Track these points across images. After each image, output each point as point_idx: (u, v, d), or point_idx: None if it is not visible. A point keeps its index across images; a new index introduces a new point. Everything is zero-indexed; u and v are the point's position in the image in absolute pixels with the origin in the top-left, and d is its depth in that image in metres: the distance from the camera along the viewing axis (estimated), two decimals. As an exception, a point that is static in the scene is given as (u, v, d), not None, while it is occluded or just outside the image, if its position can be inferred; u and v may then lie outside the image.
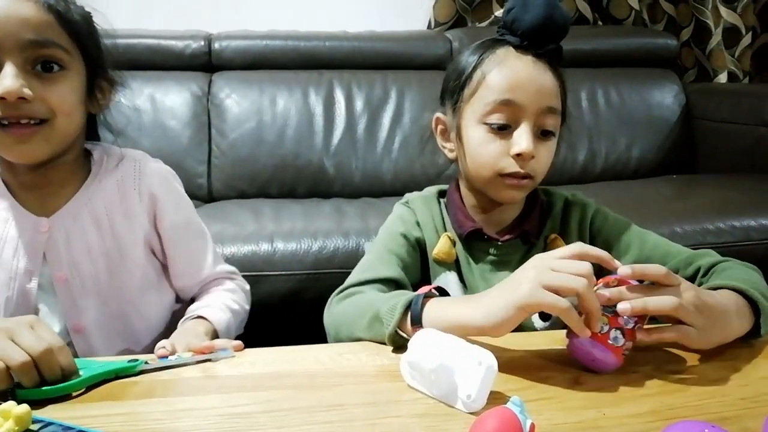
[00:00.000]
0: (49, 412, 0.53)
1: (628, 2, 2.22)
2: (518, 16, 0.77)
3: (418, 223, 0.84)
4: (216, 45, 1.80)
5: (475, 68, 0.79)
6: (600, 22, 2.27)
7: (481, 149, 0.78)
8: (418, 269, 0.82)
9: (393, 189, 1.71)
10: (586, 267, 0.58)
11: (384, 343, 0.66)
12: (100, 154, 0.83)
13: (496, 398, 0.54)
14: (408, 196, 0.90)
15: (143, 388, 0.59)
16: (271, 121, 1.71)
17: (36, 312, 0.76)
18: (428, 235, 0.83)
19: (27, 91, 0.68)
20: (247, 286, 0.95)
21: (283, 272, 1.10)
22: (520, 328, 0.72)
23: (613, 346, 0.58)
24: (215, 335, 0.79)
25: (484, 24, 2.19)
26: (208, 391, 0.58)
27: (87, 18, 0.76)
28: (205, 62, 1.78)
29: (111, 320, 0.81)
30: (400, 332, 0.65)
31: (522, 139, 0.75)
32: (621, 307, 0.58)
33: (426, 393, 0.56)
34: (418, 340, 0.57)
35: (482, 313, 0.60)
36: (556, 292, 0.57)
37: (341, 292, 0.77)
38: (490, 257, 0.82)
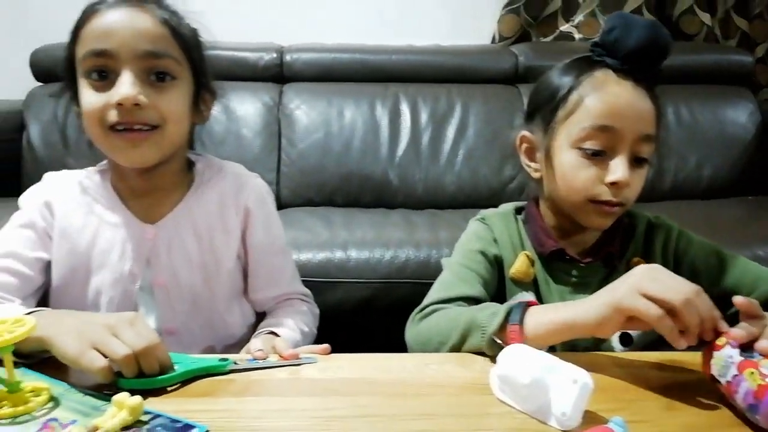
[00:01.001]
0: (155, 405, 0.56)
1: (699, 18, 2.16)
2: (620, 38, 0.74)
3: (495, 240, 0.84)
4: (287, 57, 1.86)
5: (571, 90, 0.77)
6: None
7: (574, 174, 0.76)
8: (495, 287, 0.82)
9: (455, 201, 1.72)
10: (692, 287, 0.57)
11: (476, 353, 0.67)
12: (203, 165, 0.87)
13: (590, 418, 0.53)
14: (484, 212, 0.89)
15: (238, 387, 0.61)
16: (338, 131, 1.75)
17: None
18: (505, 253, 0.83)
19: (142, 98, 0.72)
20: (317, 310, 0.95)
21: (357, 280, 1.12)
22: (599, 350, 0.72)
23: None
24: None
25: (548, 39, 2.17)
26: (301, 393, 0.60)
27: (195, 32, 0.81)
28: (277, 74, 1.84)
29: (199, 326, 0.84)
30: (497, 340, 0.65)
31: (619, 168, 0.73)
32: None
33: (516, 407, 0.56)
34: (509, 355, 0.57)
35: (586, 312, 0.62)
36: (653, 301, 0.57)
37: (423, 309, 0.77)
38: (571, 278, 0.81)
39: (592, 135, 0.74)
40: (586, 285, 0.80)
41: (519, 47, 1.99)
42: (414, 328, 0.77)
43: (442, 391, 0.60)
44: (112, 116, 0.73)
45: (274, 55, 1.85)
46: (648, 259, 0.81)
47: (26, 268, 0.79)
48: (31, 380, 0.59)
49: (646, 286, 0.58)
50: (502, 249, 0.83)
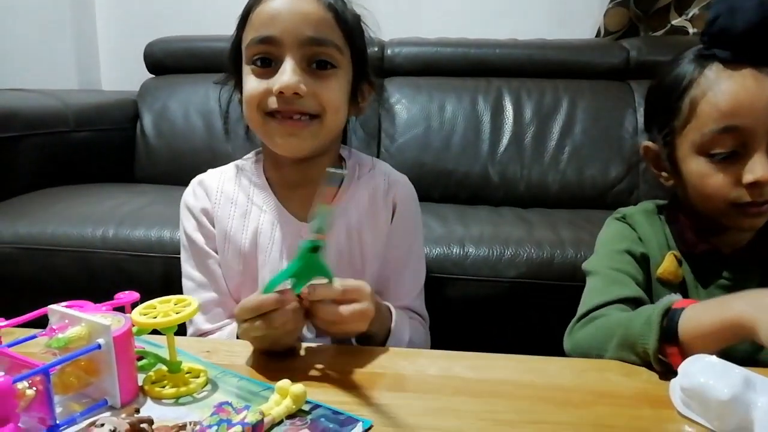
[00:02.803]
0: (316, 396, 0.54)
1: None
2: (727, 25, 0.67)
3: (640, 239, 0.78)
4: (389, 51, 1.84)
5: (682, 95, 0.71)
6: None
7: (706, 182, 0.70)
8: (644, 287, 0.76)
9: (560, 202, 1.64)
10: None
11: (637, 364, 0.62)
12: (354, 161, 0.86)
13: (800, 442, 0.47)
14: (623, 210, 0.84)
15: (391, 381, 0.60)
16: (439, 127, 1.71)
17: None
18: (652, 252, 0.77)
19: (302, 87, 0.71)
20: (429, 340, 0.88)
21: (475, 277, 1.09)
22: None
23: None
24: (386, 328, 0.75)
25: (659, 33, 2.05)
26: (458, 392, 0.57)
27: (358, 19, 0.79)
28: (378, 68, 1.82)
29: None
30: (661, 358, 0.60)
31: (756, 166, 0.66)
32: None
33: (706, 425, 0.51)
34: (696, 366, 0.52)
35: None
36: None
37: (581, 318, 0.72)
38: (722, 281, 0.74)
39: (717, 139, 0.68)
40: (742, 288, 0.72)
41: (630, 41, 1.88)
42: (572, 339, 0.72)
43: (612, 402, 0.56)
44: (272, 103, 0.72)
45: (375, 49, 1.83)
46: None
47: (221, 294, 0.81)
48: (188, 362, 0.60)
49: None
50: (648, 248, 0.78)
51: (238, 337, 0.67)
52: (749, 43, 0.67)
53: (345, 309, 0.61)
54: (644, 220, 0.80)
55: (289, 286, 0.59)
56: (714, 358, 0.52)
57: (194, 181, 0.85)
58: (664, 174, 0.78)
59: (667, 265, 0.75)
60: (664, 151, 0.76)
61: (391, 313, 0.75)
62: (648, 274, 0.77)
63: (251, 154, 0.87)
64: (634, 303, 0.71)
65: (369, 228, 0.82)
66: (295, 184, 0.81)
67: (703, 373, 0.51)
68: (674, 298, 0.64)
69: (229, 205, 0.81)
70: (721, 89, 0.68)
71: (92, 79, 2.17)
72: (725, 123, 0.67)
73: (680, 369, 0.53)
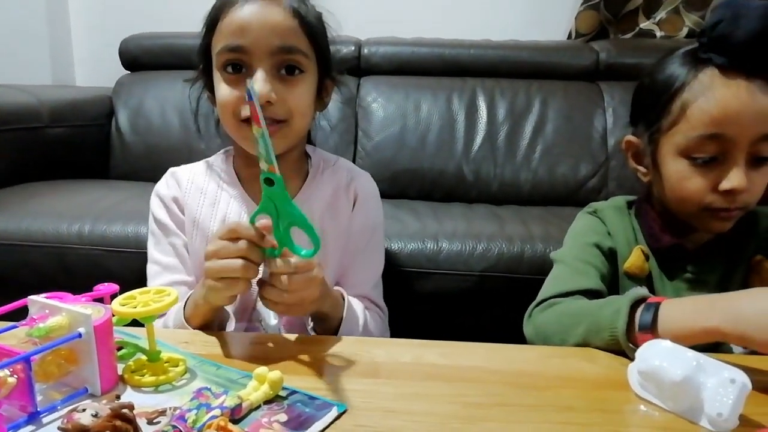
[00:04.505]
0: (289, 382, 0.56)
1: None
2: (728, 32, 0.67)
3: (609, 234, 0.82)
4: (365, 50, 1.86)
5: (675, 95, 0.71)
6: None
7: (684, 184, 0.72)
8: (610, 281, 0.79)
9: (531, 199, 1.69)
10: None
11: (601, 349, 0.65)
12: (318, 158, 0.90)
13: (743, 421, 0.51)
14: (594, 205, 0.87)
15: (366, 369, 0.62)
16: (414, 125, 1.74)
17: (254, 301, 0.82)
18: (620, 246, 0.80)
19: (273, 96, 0.74)
20: (387, 333, 0.91)
21: (449, 272, 1.12)
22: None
23: None
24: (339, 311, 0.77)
25: (628, 36, 2.11)
26: (429, 377, 0.60)
27: (320, 19, 0.81)
28: (355, 66, 1.85)
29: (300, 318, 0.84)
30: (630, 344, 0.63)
31: (734, 176, 0.68)
32: None
33: (661, 405, 0.54)
34: (652, 350, 0.55)
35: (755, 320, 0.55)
36: None
37: (540, 303, 0.75)
38: (687, 275, 0.78)
39: (701, 144, 0.69)
40: (704, 282, 0.77)
41: (600, 44, 1.93)
42: (533, 323, 0.75)
43: (575, 385, 0.59)
44: (245, 111, 0.75)
45: (353, 48, 1.86)
46: None
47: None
48: (167, 351, 0.61)
49: None
50: (616, 242, 0.81)
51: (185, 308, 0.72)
52: (748, 51, 0.66)
53: (296, 277, 0.63)
54: (614, 214, 0.84)
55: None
56: (668, 342, 0.55)
57: (167, 173, 0.89)
58: (642, 169, 0.80)
59: (634, 259, 0.79)
60: (647, 147, 0.77)
61: (343, 298, 0.78)
62: (615, 268, 0.80)
63: (221, 152, 0.90)
64: (594, 295, 0.74)
65: (331, 219, 0.85)
66: None
67: (658, 356, 0.54)
68: (641, 292, 0.66)
69: (198, 194, 0.85)
70: (714, 96, 0.68)
71: (66, 76, 2.15)
72: (712, 130, 0.68)
73: (637, 354, 0.57)
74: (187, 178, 0.86)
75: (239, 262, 0.62)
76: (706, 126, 0.69)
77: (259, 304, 0.82)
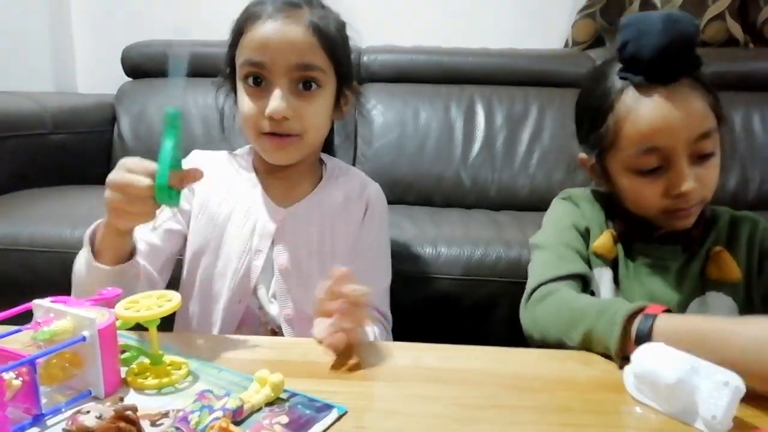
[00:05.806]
0: (290, 385, 0.57)
1: (785, 24, 2.07)
2: (636, 51, 0.71)
3: (583, 216, 0.84)
4: (365, 58, 1.88)
5: (606, 117, 0.75)
6: (751, 45, 2.14)
7: (638, 195, 0.77)
8: (587, 261, 0.81)
9: (529, 205, 1.69)
10: None
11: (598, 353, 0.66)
12: (333, 165, 0.93)
13: (738, 423, 0.52)
14: (569, 191, 0.90)
15: (366, 372, 0.62)
16: (413, 132, 1.76)
17: (255, 289, 0.84)
18: (593, 228, 0.83)
19: (290, 112, 0.78)
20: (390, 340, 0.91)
21: (447, 276, 1.13)
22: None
23: None
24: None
25: (624, 44, 2.13)
26: (427, 380, 0.61)
27: (341, 29, 0.84)
28: (355, 74, 1.86)
29: (309, 317, 0.84)
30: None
31: (681, 180, 0.72)
32: None
33: (656, 407, 0.55)
34: (647, 353, 0.56)
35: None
36: None
37: (534, 291, 0.76)
38: (648, 259, 0.81)
39: (641, 159, 0.73)
40: (665, 269, 0.80)
41: (597, 52, 1.95)
42: (531, 313, 0.75)
43: (571, 387, 0.60)
44: (265, 126, 0.80)
45: (353, 56, 1.87)
46: (731, 250, 0.80)
47: (156, 239, 0.84)
48: (170, 355, 0.62)
49: None
50: (590, 223, 0.84)
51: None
52: (658, 66, 0.70)
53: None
54: (586, 200, 0.87)
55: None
56: (663, 345, 0.56)
57: (191, 153, 0.91)
58: (600, 182, 0.85)
59: (604, 241, 0.81)
60: (597, 165, 0.81)
61: None
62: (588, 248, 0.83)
63: (246, 147, 0.93)
64: (581, 279, 0.77)
65: (341, 224, 0.88)
66: (278, 175, 0.88)
67: (653, 359, 0.55)
68: (633, 306, 0.64)
69: (213, 178, 0.86)
70: (638, 114, 0.72)
71: (69, 83, 2.16)
72: (648, 145, 0.72)
73: (633, 357, 0.57)
74: (205, 161, 0.87)
75: (146, 180, 0.63)
76: (639, 143, 0.73)
77: (260, 290, 0.84)
